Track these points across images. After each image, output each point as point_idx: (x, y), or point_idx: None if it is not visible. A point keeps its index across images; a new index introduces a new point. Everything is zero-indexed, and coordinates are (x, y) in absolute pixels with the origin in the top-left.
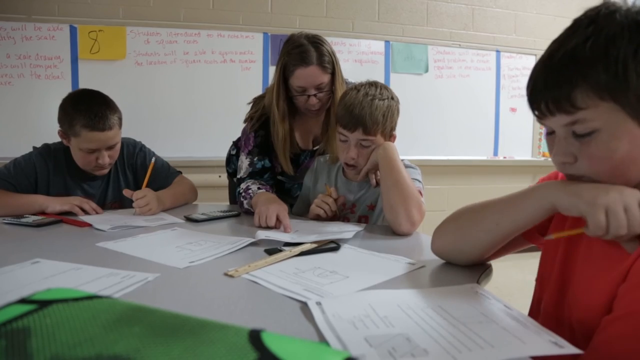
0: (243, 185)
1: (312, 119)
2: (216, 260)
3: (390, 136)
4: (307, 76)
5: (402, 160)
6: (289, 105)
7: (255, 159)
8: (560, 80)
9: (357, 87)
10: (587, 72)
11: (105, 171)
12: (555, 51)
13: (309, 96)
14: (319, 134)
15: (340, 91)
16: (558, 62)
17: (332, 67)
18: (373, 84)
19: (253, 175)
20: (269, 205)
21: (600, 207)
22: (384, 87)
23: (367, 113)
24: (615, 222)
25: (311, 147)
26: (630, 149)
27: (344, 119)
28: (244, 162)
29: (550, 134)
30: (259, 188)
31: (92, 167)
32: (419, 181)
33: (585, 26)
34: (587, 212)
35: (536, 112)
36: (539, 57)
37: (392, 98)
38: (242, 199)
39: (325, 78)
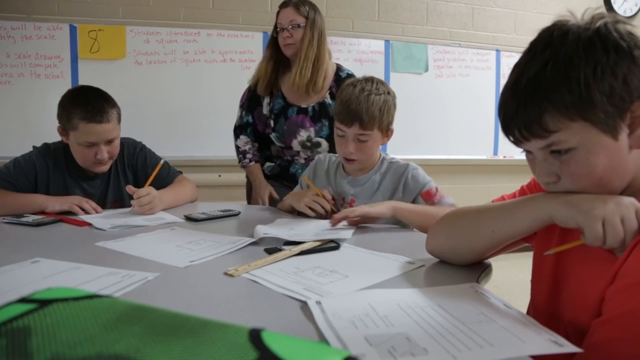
0: (240, 143)
1: (295, 75)
2: (216, 260)
3: (387, 130)
4: (284, 15)
5: (406, 163)
6: (278, 59)
7: (243, 113)
8: (528, 108)
9: (353, 83)
10: (553, 96)
11: (105, 168)
12: (518, 78)
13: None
14: (303, 91)
15: (315, 40)
16: (523, 90)
17: (307, 14)
18: (369, 80)
19: (242, 128)
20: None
21: (597, 218)
22: (381, 82)
23: (364, 108)
24: (612, 233)
25: (297, 103)
26: (608, 161)
27: (341, 114)
28: (238, 113)
29: (528, 152)
30: (250, 160)
31: (91, 163)
32: (431, 181)
33: (541, 50)
34: (584, 223)
35: (511, 139)
36: None
37: (389, 93)
38: (240, 156)
39: (299, 19)
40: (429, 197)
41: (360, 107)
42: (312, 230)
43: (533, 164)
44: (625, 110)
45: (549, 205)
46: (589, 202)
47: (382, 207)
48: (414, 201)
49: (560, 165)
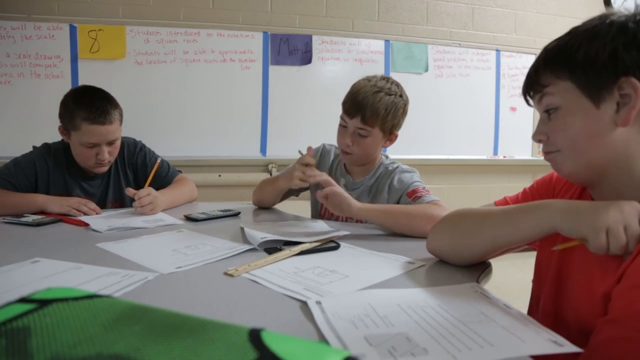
0: None
1: None
2: (213, 262)
3: (390, 133)
4: None
5: (398, 165)
6: None
7: None
8: (536, 68)
9: (369, 78)
10: (549, 55)
11: (105, 169)
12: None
13: None
14: None
15: None
16: (537, 59)
17: None
18: (385, 78)
19: None
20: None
21: (601, 229)
22: (396, 84)
23: (369, 102)
24: (616, 242)
25: None
26: (584, 125)
27: (347, 104)
28: None
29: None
30: None
31: (91, 163)
32: (418, 181)
33: (578, 28)
34: (588, 235)
35: (526, 100)
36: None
37: (401, 96)
38: None
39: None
40: (413, 194)
41: (366, 101)
42: (306, 231)
43: None
44: (607, 79)
45: (552, 217)
46: (592, 211)
47: (353, 202)
48: (399, 200)
49: (549, 123)
